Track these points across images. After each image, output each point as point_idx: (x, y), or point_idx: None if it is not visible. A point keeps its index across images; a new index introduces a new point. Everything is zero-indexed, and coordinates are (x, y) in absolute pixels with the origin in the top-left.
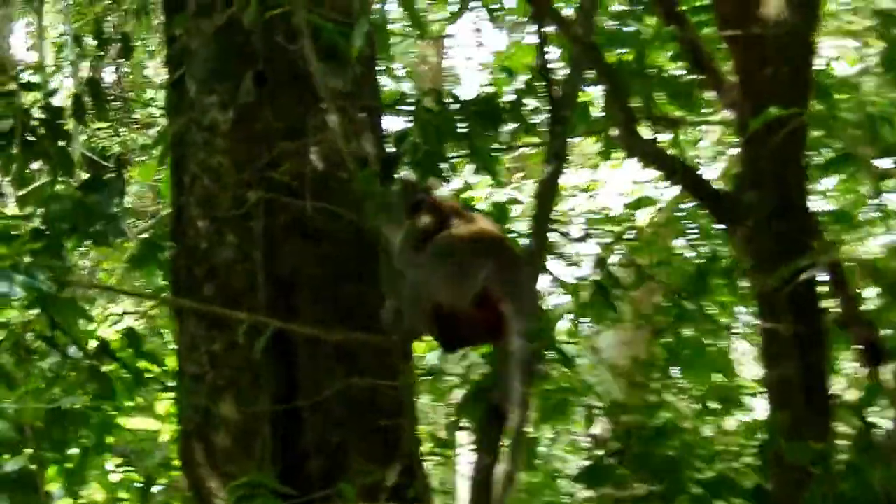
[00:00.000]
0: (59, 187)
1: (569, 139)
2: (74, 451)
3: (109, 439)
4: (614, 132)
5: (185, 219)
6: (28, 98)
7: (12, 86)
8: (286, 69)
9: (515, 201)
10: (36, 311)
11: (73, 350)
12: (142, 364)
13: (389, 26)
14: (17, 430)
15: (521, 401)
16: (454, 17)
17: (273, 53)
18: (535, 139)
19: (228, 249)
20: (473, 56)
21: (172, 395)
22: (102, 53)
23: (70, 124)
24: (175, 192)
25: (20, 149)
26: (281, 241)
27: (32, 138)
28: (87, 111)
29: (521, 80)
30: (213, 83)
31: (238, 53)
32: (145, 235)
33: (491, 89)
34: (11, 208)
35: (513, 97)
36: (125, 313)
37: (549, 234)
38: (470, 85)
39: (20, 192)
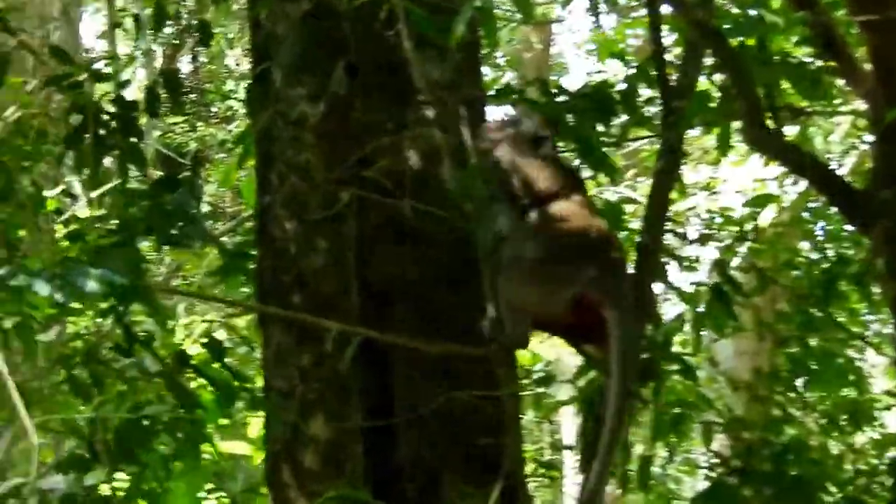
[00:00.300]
0: (131, 186)
1: (685, 132)
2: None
3: (198, 456)
4: (736, 124)
5: (271, 221)
6: (99, 90)
7: (82, 77)
8: (381, 58)
9: (629, 200)
10: (110, 322)
11: (149, 361)
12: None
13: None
14: (90, 447)
15: (616, 410)
16: None
17: (366, 41)
18: (649, 132)
19: (318, 254)
20: (582, 41)
21: (261, 413)
22: (178, 42)
23: (143, 119)
24: (259, 192)
25: (92, 146)
26: (375, 244)
27: (104, 133)
28: (162, 105)
29: (632, 68)
30: (300, 73)
31: (328, 41)
32: (227, 240)
33: (600, 77)
34: (84, 210)
35: (624, 86)
36: (206, 321)
37: (663, 236)
38: (578, 73)
39: (93, 193)
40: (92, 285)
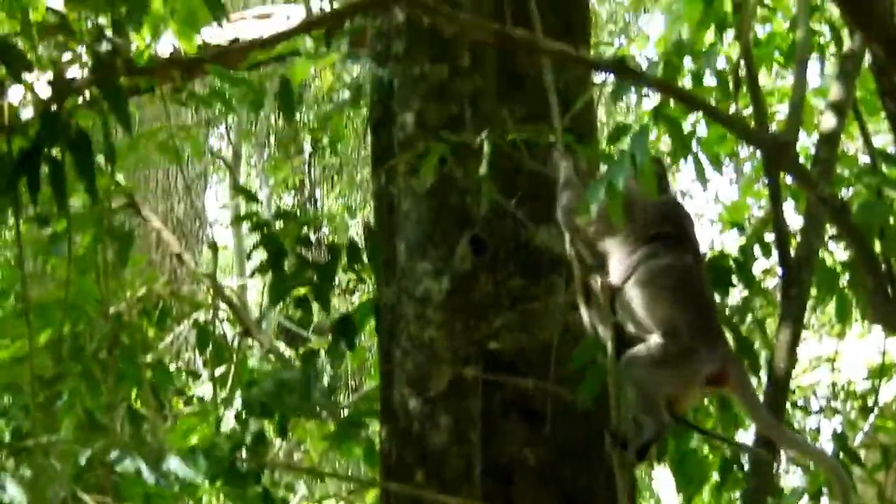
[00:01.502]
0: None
1: (807, 303)
2: None
3: None
4: (861, 297)
5: (395, 398)
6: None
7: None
8: (507, 232)
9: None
10: None
11: None
12: None
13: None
14: None
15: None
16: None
17: (492, 215)
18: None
19: (442, 431)
20: (702, 210)
21: None
22: (305, 222)
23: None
24: (383, 368)
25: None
26: (500, 422)
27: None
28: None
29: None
30: (425, 249)
31: (453, 216)
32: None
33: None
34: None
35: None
36: (328, 497)
37: (785, 408)
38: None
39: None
40: (194, 474)
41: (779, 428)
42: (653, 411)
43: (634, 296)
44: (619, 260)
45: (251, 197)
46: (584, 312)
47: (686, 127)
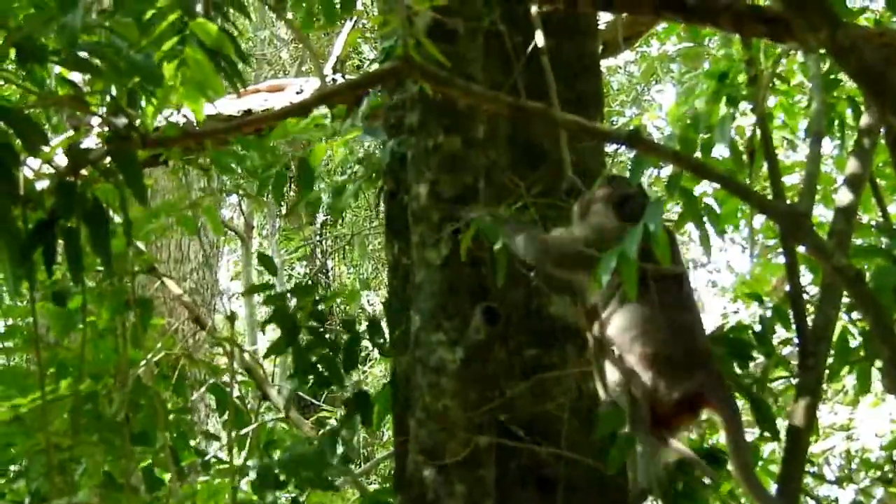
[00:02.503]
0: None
1: (823, 374)
2: None
3: None
4: (877, 367)
5: (410, 467)
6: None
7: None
8: (520, 301)
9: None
10: None
11: None
12: None
13: None
14: None
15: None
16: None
17: (506, 285)
18: (786, 373)
19: (456, 499)
20: (717, 280)
21: None
22: (314, 282)
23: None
24: (398, 437)
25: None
26: (514, 490)
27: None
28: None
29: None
30: (440, 319)
31: (467, 287)
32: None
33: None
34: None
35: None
36: None
37: (802, 476)
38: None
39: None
40: None
41: (749, 470)
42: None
43: (614, 321)
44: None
45: (271, 266)
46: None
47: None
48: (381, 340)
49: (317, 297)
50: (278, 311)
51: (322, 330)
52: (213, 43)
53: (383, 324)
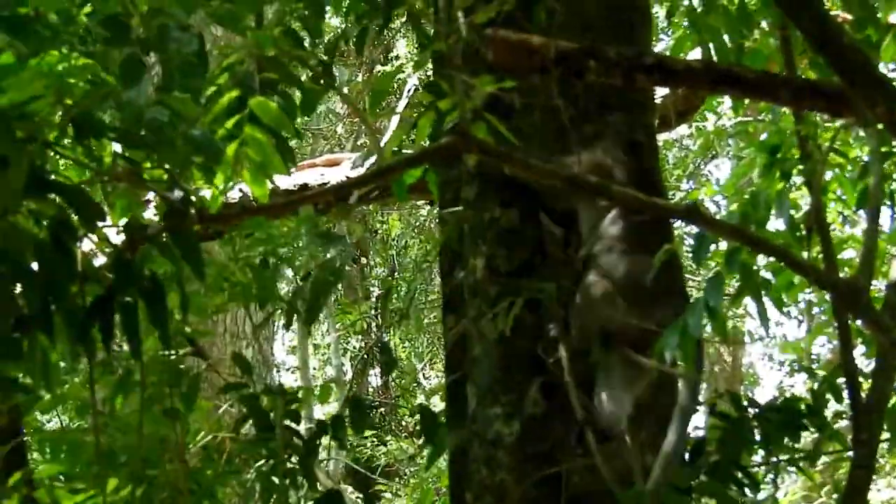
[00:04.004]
0: None
1: (878, 448)
2: None
3: None
4: None
5: None
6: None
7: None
8: (578, 376)
9: None
10: None
11: None
12: None
13: None
14: None
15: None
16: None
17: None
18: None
19: None
20: (773, 353)
21: None
22: (368, 357)
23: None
24: None
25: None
26: None
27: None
28: (347, 427)
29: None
30: (496, 393)
31: (524, 360)
32: None
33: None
34: None
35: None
36: None
37: None
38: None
39: None
40: None
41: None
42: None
43: None
44: None
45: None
46: None
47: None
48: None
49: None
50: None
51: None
52: (272, 121)
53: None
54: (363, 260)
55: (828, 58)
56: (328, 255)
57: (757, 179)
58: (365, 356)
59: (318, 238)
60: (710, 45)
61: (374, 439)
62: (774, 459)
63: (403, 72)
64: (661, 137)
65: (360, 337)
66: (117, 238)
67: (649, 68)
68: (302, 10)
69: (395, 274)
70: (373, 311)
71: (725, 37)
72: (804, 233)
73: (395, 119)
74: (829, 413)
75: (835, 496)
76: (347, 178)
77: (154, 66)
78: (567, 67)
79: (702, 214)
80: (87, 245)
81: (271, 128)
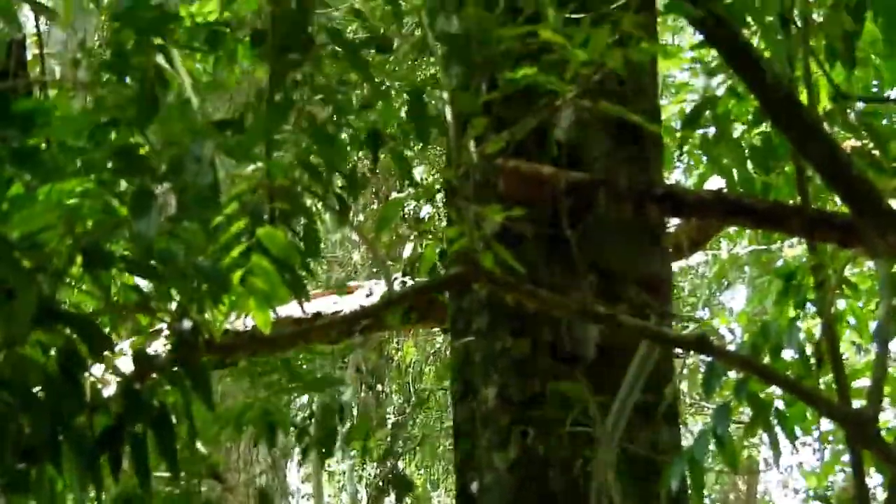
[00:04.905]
0: None
1: None
2: None
3: None
4: None
5: None
6: None
7: None
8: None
9: None
10: None
11: None
12: None
13: None
14: None
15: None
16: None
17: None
18: None
19: None
20: (788, 480)
21: None
22: (382, 486)
23: None
24: None
25: None
26: None
27: None
28: None
29: None
30: None
31: (536, 490)
32: None
33: None
34: None
35: None
36: None
37: None
38: None
39: None
40: None
41: None
42: None
43: None
44: None
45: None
46: None
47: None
48: None
49: None
50: None
51: None
52: (280, 252)
53: None
54: (379, 387)
55: (836, 188)
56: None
57: (771, 307)
58: (380, 483)
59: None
60: (733, 173)
61: None
62: None
63: (414, 200)
64: (676, 266)
65: (374, 464)
66: (126, 366)
67: (660, 199)
68: (312, 143)
69: (411, 401)
70: (388, 439)
71: (738, 168)
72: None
73: (409, 247)
74: None
75: None
76: (361, 307)
77: (164, 194)
78: (577, 198)
79: (711, 346)
80: (97, 370)
81: (278, 259)
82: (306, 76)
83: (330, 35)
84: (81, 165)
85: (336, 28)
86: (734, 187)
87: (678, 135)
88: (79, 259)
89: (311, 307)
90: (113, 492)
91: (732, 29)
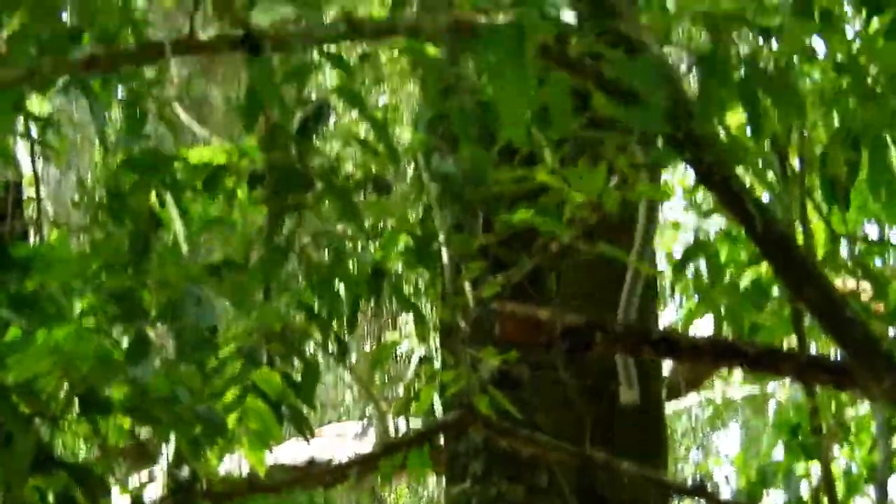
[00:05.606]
0: None
1: None
2: None
3: None
4: None
5: None
6: None
7: None
8: None
9: None
10: None
11: None
12: None
13: None
14: None
15: None
16: None
17: None
18: None
19: None
20: None
21: None
22: None
23: None
24: None
25: None
26: None
27: None
28: None
29: None
30: None
31: None
32: None
33: None
34: None
35: None
36: None
37: None
38: None
39: None
40: None
41: None
42: None
43: None
44: None
45: None
46: None
47: None
48: None
49: None
50: None
51: None
52: (275, 393)
53: None
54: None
55: (831, 331)
56: None
57: (765, 448)
58: None
59: None
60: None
61: None
62: None
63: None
64: (671, 407)
65: None
66: None
67: (655, 343)
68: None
69: None
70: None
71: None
72: None
73: (402, 388)
74: None
75: None
76: (356, 454)
77: (161, 336)
78: (574, 341)
79: (708, 494)
80: None
81: (272, 400)
82: (304, 216)
83: (324, 181)
84: (80, 311)
85: (330, 169)
86: (722, 325)
87: (669, 278)
88: (76, 403)
89: (303, 453)
90: None
91: (726, 172)
